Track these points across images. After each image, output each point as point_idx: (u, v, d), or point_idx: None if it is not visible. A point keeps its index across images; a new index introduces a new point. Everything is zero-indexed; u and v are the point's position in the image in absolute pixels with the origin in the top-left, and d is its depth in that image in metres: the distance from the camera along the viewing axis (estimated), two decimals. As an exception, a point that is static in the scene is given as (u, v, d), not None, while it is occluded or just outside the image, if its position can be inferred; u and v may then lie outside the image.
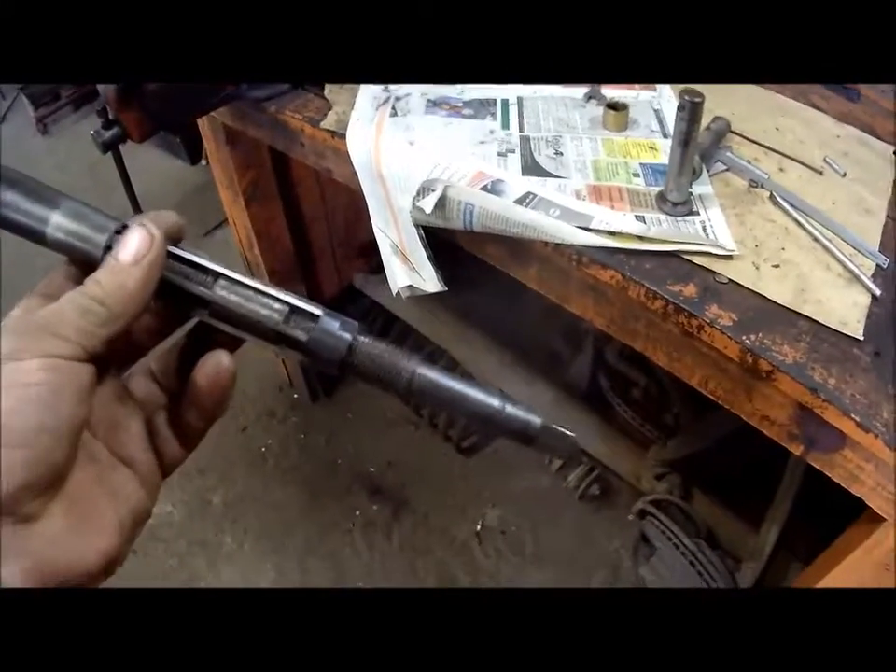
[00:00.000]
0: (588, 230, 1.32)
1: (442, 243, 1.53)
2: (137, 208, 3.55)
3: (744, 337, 1.20)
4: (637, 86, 1.74)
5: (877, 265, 1.35)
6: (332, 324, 0.71)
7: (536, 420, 0.72)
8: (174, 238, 0.73)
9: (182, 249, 0.71)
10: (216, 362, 0.74)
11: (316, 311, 0.71)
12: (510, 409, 0.72)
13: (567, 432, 0.71)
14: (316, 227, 2.90)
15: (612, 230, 1.32)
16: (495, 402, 0.71)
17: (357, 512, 3.05)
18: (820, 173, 1.54)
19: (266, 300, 0.71)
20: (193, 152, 4.64)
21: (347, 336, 0.70)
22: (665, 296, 1.25)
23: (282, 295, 0.71)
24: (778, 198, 1.43)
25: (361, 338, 0.71)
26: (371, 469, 3.19)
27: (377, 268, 2.99)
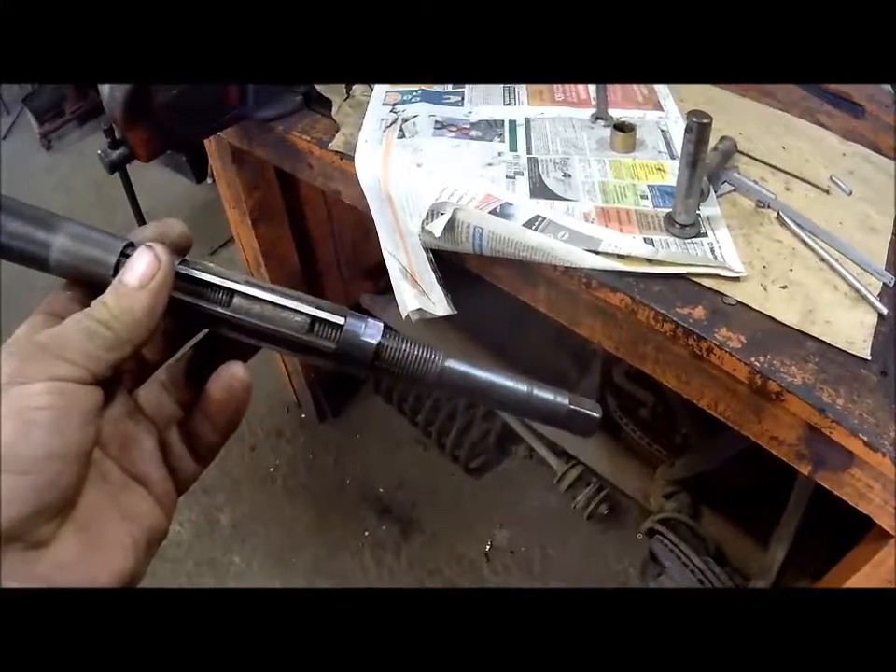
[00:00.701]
0: (597, 253, 1.32)
1: (451, 264, 1.54)
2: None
3: (753, 359, 1.20)
4: (643, 106, 1.75)
5: (884, 284, 1.35)
6: (358, 327, 0.71)
7: (564, 402, 0.72)
8: (181, 248, 0.72)
9: (193, 267, 0.70)
10: (230, 374, 0.73)
11: (339, 319, 0.71)
12: (537, 393, 0.73)
13: (593, 413, 0.72)
14: (323, 246, 2.91)
15: (621, 253, 1.32)
16: (523, 388, 0.72)
17: (366, 532, 3.05)
18: (827, 192, 1.54)
19: (286, 313, 0.70)
20: (199, 170, 4.64)
21: (373, 341, 0.71)
22: (675, 319, 1.25)
23: (302, 307, 0.71)
24: (785, 218, 1.43)
25: (387, 340, 0.71)
26: (380, 490, 3.19)
27: (384, 288, 3.00)
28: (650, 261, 1.32)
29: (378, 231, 1.62)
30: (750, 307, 1.28)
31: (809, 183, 1.56)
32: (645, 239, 1.37)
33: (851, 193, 1.54)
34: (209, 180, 4.57)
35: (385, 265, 1.66)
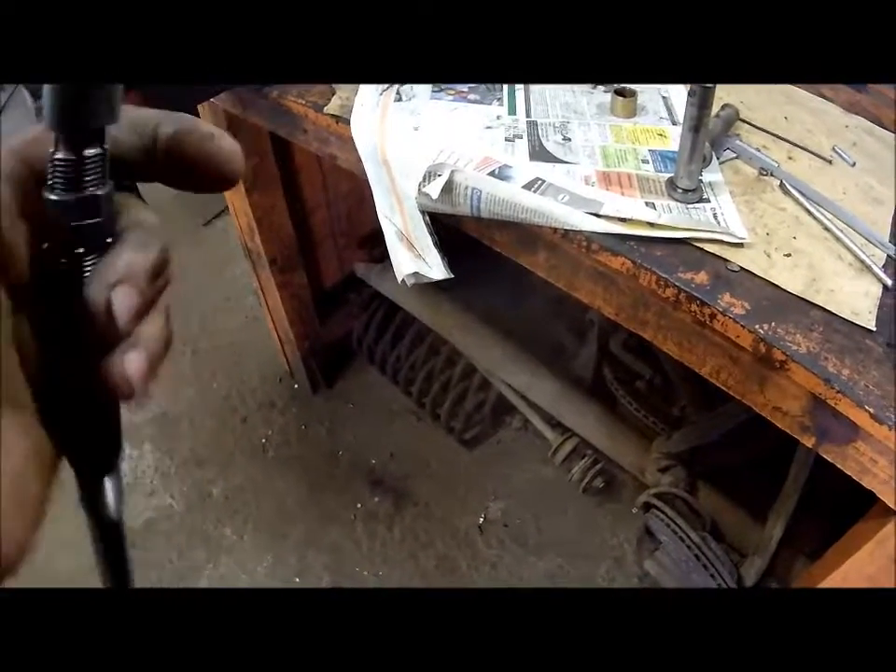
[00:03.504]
0: (598, 216, 1.30)
1: (446, 232, 1.52)
2: (139, 197, 3.56)
3: (757, 326, 1.18)
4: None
5: (888, 255, 1.33)
6: None
7: None
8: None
9: None
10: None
11: None
12: None
13: None
14: (318, 215, 2.89)
15: (623, 216, 1.30)
16: None
17: (359, 504, 3.03)
18: (829, 162, 1.53)
19: None
20: (193, 141, 4.61)
21: None
22: (677, 284, 1.23)
23: None
24: (788, 186, 1.42)
25: None
26: (373, 461, 3.17)
27: (379, 257, 2.98)
28: (651, 225, 1.30)
29: (374, 194, 1.59)
30: (754, 274, 1.26)
31: (812, 153, 1.54)
32: (647, 203, 1.35)
33: (855, 164, 1.53)
34: (203, 150, 4.54)
35: (379, 234, 1.64)
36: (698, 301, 1.22)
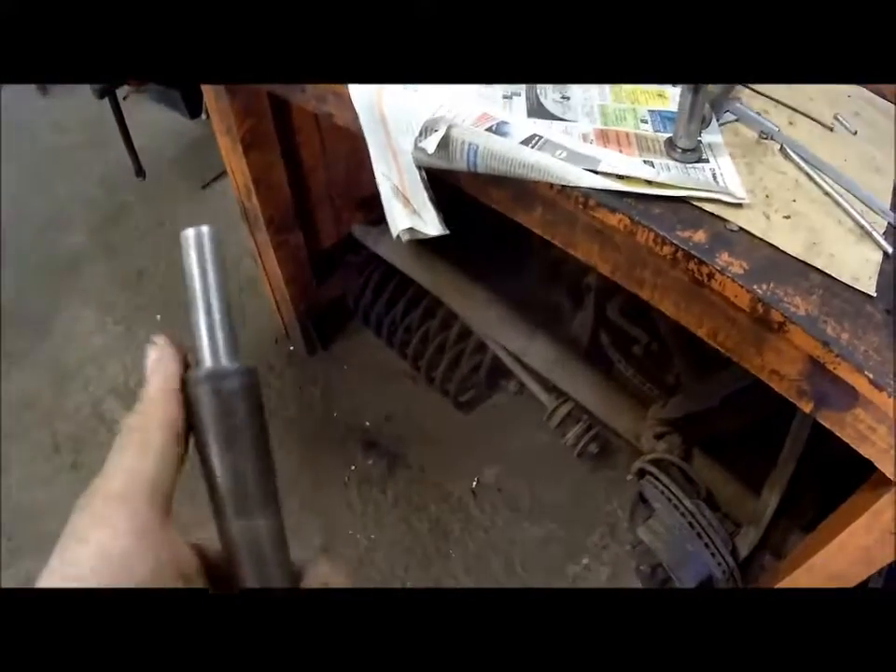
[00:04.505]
0: (595, 172, 1.29)
1: (443, 191, 1.51)
2: (136, 161, 3.54)
3: (755, 286, 1.17)
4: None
5: (889, 223, 1.33)
6: None
7: None
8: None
9: None
10: None
11: None
12: None
13: None
14: (315, 175, 2.88)
15: (620, 173, 1.29)
16: None
17: (353, 467, 3.04)
18: (831, 129, 1.52)
19: None
20: (192, 106, 4.57)
21: None
22: (675, 241, 1.22)
23: None
24: (789, 150, 1.41)
25: None
26: (367, 423, 3.18)
27: (377, 219, 2.97)
28: (649, 183, 1.29)
29: (370, 151, 1.58)
30: (753, 234, 1.26)
31: (813, 119, 1.54)
32: (645, 161, 1.33)
33: (856, 133, 1.52)
34: (203, 116, 4.53)
35: (378, 196, 1.63)
36: (696, 260, 1.21)
